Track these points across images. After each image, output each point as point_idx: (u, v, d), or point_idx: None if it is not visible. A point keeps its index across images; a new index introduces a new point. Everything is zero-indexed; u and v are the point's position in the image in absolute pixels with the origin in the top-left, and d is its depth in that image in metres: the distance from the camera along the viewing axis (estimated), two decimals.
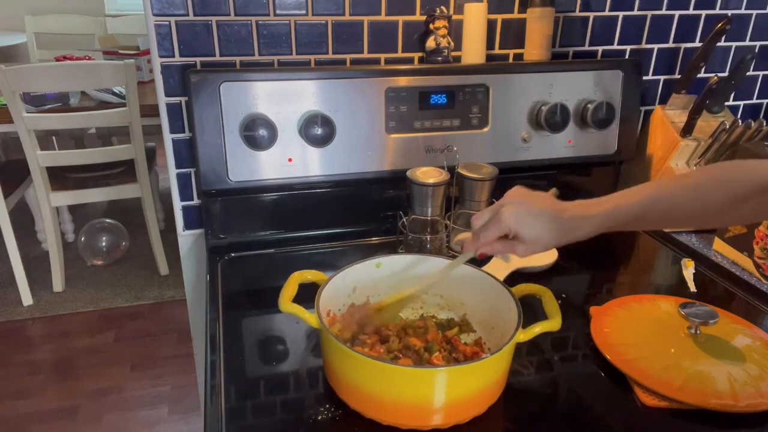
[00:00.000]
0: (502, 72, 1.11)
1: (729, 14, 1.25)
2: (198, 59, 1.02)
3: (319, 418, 0.67)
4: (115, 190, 2.54)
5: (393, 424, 0.64)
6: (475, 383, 0.64)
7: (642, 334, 0.79)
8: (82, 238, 2.82)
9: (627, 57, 1.24)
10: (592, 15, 1.19)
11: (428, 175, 0.98)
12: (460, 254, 0.75)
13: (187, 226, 1.14)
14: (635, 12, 1.20)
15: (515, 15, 1.15)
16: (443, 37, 1.08)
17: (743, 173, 0.64)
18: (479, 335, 0.78)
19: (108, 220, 2.88)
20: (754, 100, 1.39)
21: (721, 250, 1.07)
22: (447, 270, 0.77)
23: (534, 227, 0.67)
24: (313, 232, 1.12)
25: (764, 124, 1.10)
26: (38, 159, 2.30)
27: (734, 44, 1.31)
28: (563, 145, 1.17)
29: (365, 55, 1.10)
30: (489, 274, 0.78)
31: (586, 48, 1.21)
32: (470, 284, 0.79)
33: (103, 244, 2.84)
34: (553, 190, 0.74)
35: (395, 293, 0.78)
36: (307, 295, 0.74)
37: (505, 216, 0.67)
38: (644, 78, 1.26)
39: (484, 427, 0.66)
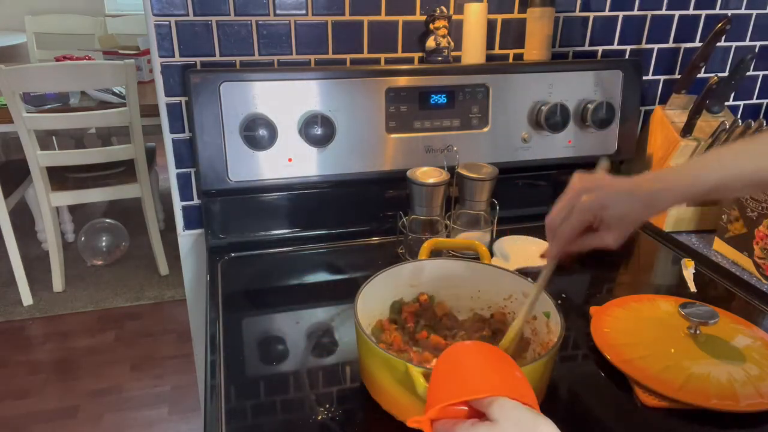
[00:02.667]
0: (502, 72, 1.11)
1: (729, 14, 1.25)
2: (198, 59, 1.02)
3: (319, 418, 0.67)
4: (115, 190, 2.54)
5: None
6: None
7: (642, 334, 0.79)
8: (82, 238, 2.82)
9: (627, 57, 1.24)
10: (592, 15, 1.19)
11: (428, 175, 0.98)
12: (544, 265, 0.70)
13: (187, 226, 1.14)
14: (635, 12, 1.20)
15: (515, 15, 1.15)
16: (443, 37, 1.08)
17: None
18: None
19: (108, 220, 2.88)
20: (754, 100, 1.39)
21: (721, 250, 1.07)
22: (540, 288, 0.70)
23: (619, 208, 0.64)
24: (313, 232, 1.12)
25: (764, 124, 1.10)
26: (38, 159, 2.30)
27: (734, 44, 1.31)
28: (563, 145, 1.17)
29: (365, 55, 1.10)
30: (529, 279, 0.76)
31: (586, 48, 1.21)
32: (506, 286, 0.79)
33: (103, 244, 2.84)
34: (605, 164, 0.72)
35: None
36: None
37: (588, 204, 0.64)
38: (644, 78, 1.26)
39: None
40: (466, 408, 0.48)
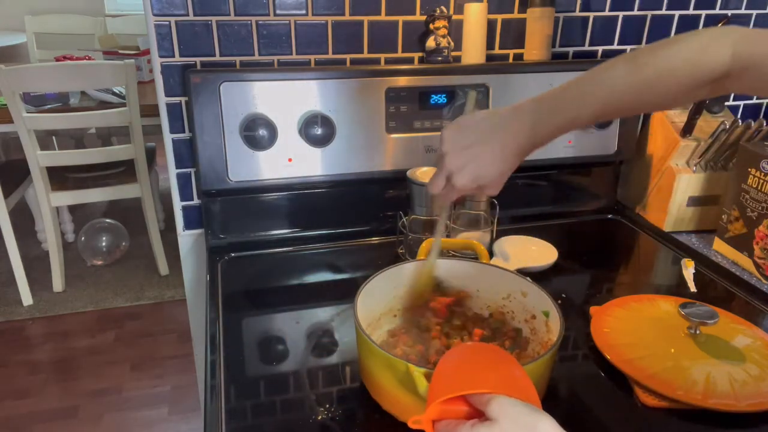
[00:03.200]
0: (502, 72, 1.11)
1: (729, 14, 1.25)
2: (198, 59, 1.02)
3: (319, 418, 0.67)
4: (115, 190, 2.54)
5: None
6: None
7: (642, 334, 0.79)
8: (82, 238, 2.82)
9: None
10: (592, 15, 1.19)
11: (428, 175, 0.98)
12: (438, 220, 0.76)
13: (187, 226, 1.14)
14: (635, 12, 1.20)
15: (515, 15, 1.15)
16: (443, 37, 1.08)
17: (688, 66, 0.59)
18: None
19: (108, 220, 2.88)
20: (754, 100, 1.39)
21: (721, 250, 1.07)
22: (438, 238, 0.77)
23: (495, 176, 0.67)
24: (313, 231, 1.12)
25: (764, 124, 1.10)
26: (38, 159, 2.30)
27: None
28: (563, 145, 1.17)
29: (365, 55, 1.10)
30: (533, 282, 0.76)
31: (586, 48, 1.21)
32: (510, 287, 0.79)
33: (103, 244, 2.84)
34: (471, 95, 0.76)
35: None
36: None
37: (463, 183, 0.67)
38: None
39: None
40: (467, 408, 0.48)
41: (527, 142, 0.66)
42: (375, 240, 1.11)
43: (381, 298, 0.77)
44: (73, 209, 3.10)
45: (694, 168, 1.16)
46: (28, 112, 2.21)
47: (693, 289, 0.95)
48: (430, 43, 1.09)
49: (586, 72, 0.64)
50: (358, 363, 0.72)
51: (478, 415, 0.47)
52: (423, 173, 0.98)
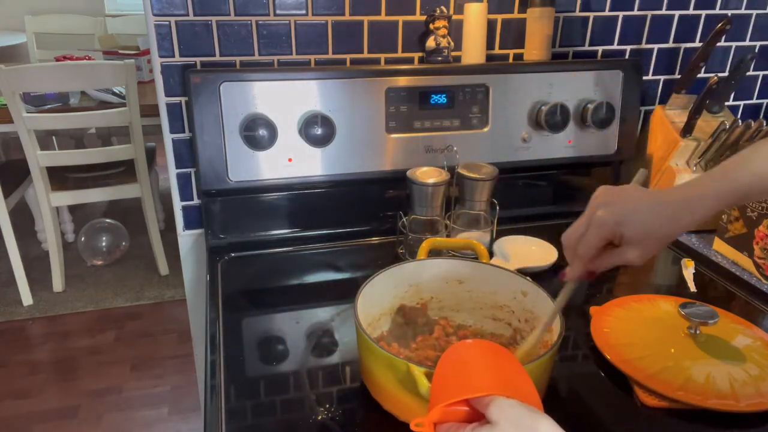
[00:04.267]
0: (502, 72, 1.11)
1: (729, 14, 1.25)
2: (198, 59, 1.02)
3: (319, 418, 0.67)
4: (115, 190, 2.54)
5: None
6: None
7: (642, 334, 0.79)
8: (82, 238, 2.82)
9: (627, 57, 1.24)
10: (592, 15, 1.19)
11: (428, 175, 0.98)
12: (564, 286, 0.66)
13: (187, 226, 1.14)
14: (635, 12, 1.20)
15: (515, 15, 1.15)
16: (443, 37, 1.08)
17: None
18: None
19: (108, 220, 2.88)
20: (754, 100, 1.39)
21: (721, 250, 1.07)
22: (556, 310, 0.67)
23: (640, 222, 0.58)
24: (313, 231, 1.12)
25: (764, 124, 1.10)
26: (38, 159, 2.30)
27: (734, 44, 1.31)
28: (563, 145, 1.17)
29: (365, 55, 1.10)
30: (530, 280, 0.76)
31: (586, 48, 1.21)
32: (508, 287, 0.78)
33: (103, 244, 2.84)
34: (642, 171, 0.67)
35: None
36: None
37: (601, 220, 0.59)
38: (644, 78, 1.26)
39: None
40: (468, 408, 0.48)
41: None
42: (375, 240, 1.11)
43: (381, 297, 0.77)
44: (73, 209, 3.10)
45: (694, 168, 1.16)
46: (28, 112, 2.21)
47: (693, 289, 0.95)
48: (430, 43, 1.09)
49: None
50: (358, 363, 0.72)
51: (479, 416, 0.47)
52: (423, 173, 0.98)
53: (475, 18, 1.08)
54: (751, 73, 1.35)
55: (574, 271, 0.64)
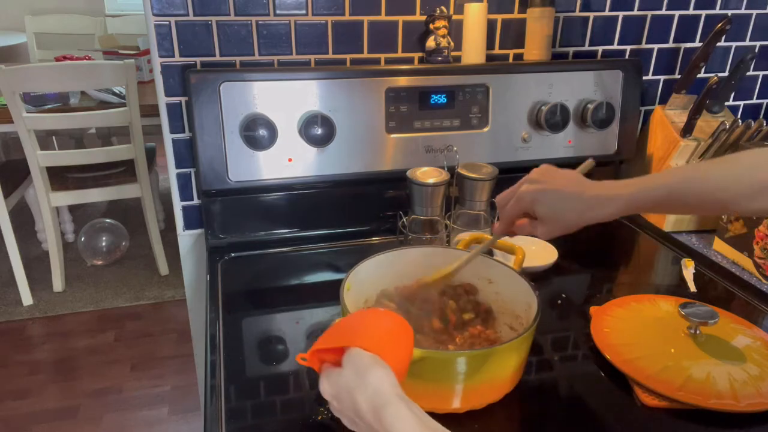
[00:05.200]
0: (502, 72, 1.11)
1: (729, 14, 1.25)
2: (198, 59, 1.02)
3: (319, 418, 0.67)
4: (115, 190, 2.54)
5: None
6: (491, 370, 0.64)
7: (642, 334, 0.79)
8: (82, 238, 2.82)
9: (627, 57, 1.24)
10: (592, 15, 1.19)
11: (428, 175, 0.98)
12: (492, 237, 0.77)
13: (187, 226, 1.14)
14: (635, 12, 1.20)
15: (515, 15, 1.15)
16: (443, 37, 1.08)
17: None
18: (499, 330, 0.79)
19: (108, 220, 2.88)
20: (754, 100, 1.39)
21: (721, 250, 1.07)
22: (478, 251, 0.77)
23: (552, 206, 0.66)
24: (313, 231, 1.12)
25: (764, 124, 1.10)
26: (38, 159, 2.30)
27: (734, 44, 1.31)
28: (563, 145, 1.17)
29: (365, 55, 1.10)
30: (512, 268, 0.78)
31: (586, 48, 1.21)
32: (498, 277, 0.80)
33: (103, 244, 2.84)
34: (589, 162, 0.74)
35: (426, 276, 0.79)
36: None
37: (522, 194, 0.67)
38: (644, 78, 1.26)
39: (491, 420, 0.66)
40: (339, 357, 0.54)
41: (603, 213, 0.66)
42: (375, 240, 1.11)
43: (371, 284, 0.78)
44: (73, 209, 3.10)
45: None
46: (28, 112, 2.21)
47: (693, 289, 0.95)
48: (430, 43, 1.09)
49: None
50: None
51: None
52: (423, 173, 0.98)
53: (475, 18, 1.08)
54: (751, 73, 1.35)
55: (500, 228, 0.73)
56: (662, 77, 1.28)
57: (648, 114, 1.28)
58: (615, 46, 1.22)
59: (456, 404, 0.65)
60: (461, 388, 0.64)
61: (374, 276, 0.79)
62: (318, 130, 1.02)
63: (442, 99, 1.09)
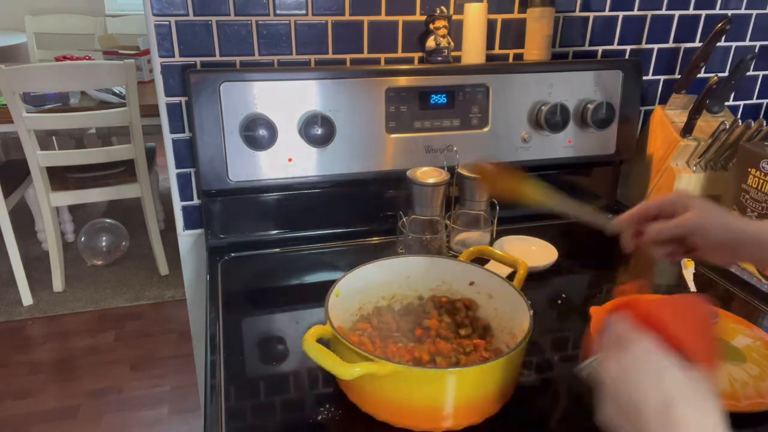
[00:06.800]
0: (502, 72, 1.11)
1: (729, 14, 1.25)
2: (198, 59, 1.02)
3: (320, 418, 0.67)
4: (115, 190, 2.54)
5: (406, 426, 0.64)
6: (483, 385, 0.64)
7: None
8: (82, 238, 2.82)
9: (627, 57, 1.24)
10: (592, 15, 1.19)
11: (428, 175, 0.98)
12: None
13: (187, 226, 1.14)
14: (635, 12, 1.20)
15: (515, 15, 1.15)
16: (443, 37, 1.08)
17: None
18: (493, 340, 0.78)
19: (108, 220, 2.88)
20: (754, 100, 1.39)
21: None
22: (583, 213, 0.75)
23: (711, 237, 0.64)
24: (313, 232, 1.12)
25: (764, 124, 1.10)
26: (38, 159, 2.30)
27: (734, 44, 1.31)
28: (563, 145, 1.17)
29: (365, 55, 1.10)
30: (506, 280, 0.77)
31: (586, 48, 1.21)
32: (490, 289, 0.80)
33: (103, 244, 2.84)
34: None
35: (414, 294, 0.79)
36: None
37: (691, 220, 0.64)
38: (644, 78, 1.26)
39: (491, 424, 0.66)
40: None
41: None
42: (375, 240, 1.11)
43: (361, 293, 0.78)
44: (73, 209, 3.10)
45: (694, 168, 1.16)
46: (28, 112, 2.21)
47: (693, 289, 0.95)
48: (430, 43, 1.09)
49: None
50: None
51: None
52: (423, 173, 0.98)
53: (475, 18, 1.08)
54: (751, 73, 1.35)
55: (628, 240, 0.71)
56: (662, 77, 1.28)
57: (648, 114, 1.28)
58: (615, 46, 1.22)
59: (449, 422, 0.64)
60: (451, 404, 0.63)
61: (366, 284, 0.78)
62: (318, 130, 1.02)
63: (442, 99, 1.09)
